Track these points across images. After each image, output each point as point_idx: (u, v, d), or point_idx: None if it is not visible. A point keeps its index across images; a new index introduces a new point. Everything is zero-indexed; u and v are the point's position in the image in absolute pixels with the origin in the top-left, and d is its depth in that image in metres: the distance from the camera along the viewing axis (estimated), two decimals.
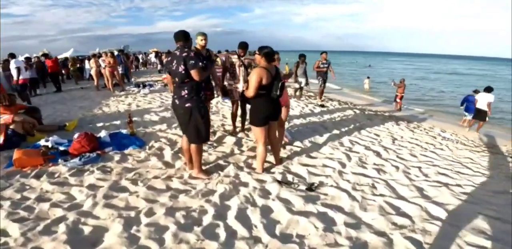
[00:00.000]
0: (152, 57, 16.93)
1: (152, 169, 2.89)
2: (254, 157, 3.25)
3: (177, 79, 2.39)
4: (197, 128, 2.46)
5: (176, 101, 2.45)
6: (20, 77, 6.67)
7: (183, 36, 2.42)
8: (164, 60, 14.59)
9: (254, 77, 2.44)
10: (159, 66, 15.20)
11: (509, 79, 23.35)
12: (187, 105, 2.40)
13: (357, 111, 6.35)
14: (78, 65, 11.70)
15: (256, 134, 2.71)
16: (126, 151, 3.36)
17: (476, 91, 7.96)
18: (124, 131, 4.03)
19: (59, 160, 3.10)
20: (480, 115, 6.56)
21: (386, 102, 10.24)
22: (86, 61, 11.99)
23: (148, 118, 4.97)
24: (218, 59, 9.06)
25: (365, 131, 4.57)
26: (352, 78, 20.03)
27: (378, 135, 4.42)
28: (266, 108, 2.62)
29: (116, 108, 5.90)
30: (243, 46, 3.74)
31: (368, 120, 5.51)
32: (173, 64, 2.38)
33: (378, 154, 3.55)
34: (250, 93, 2.50)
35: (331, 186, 2.66)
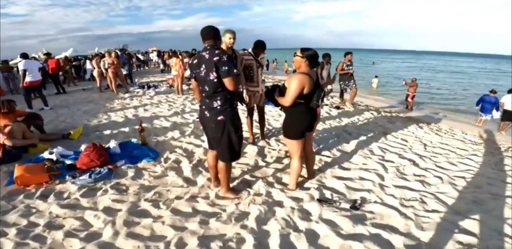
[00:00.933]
0: (154, 56, 16.46)
1: (172, 187, 2.58)
2: (281, 170, 2.96)
3: (206, 88, 2.03)
4: (231, 144, 2.14)
5: (206, 113, 2.10)
6: (30, 79, 5.87)
7: (213, 34, 2.00)
8: (168, 61, 14.15)
9: (295, 84, 2.10)
10: (161, 66, 14.78)
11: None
12: (219, 118, 2.05)
13: (375, 113, 6.06)
14: (70, 66, 11.20)
15: (292, 147, 2.40)
16: (139, 165, 3.05)
17: (493, 91, 7.72)
18: (134, 140, 3.72)
19: (67, 177, 2.79)
20: (509, 116, 6.52)
21: (395, 102, 9.97)
22: (87, 61, 11.56)
23: (158, 124, 4.65)
24: None
25: (391, 136, 4.29)
26: (357, 77, 19.68)
27: (406, 141, 4.14)
28: (304, 119, 2.30)
29: (123, 112, 5.57)
30: (261, 45, 3.35)
31: (390, 123, 5.22)
32: (201, 69, 2.01)
33: (414, 163, 3.27)
34: (287, 102, 2.18)
35: (376, 202, 2.40)
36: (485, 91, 13.73)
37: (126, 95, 7.58)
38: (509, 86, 15.29)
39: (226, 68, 1.92)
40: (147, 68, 18.06)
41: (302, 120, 2.30)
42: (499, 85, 15.53)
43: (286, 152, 3.41)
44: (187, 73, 7.45)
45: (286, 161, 3.16)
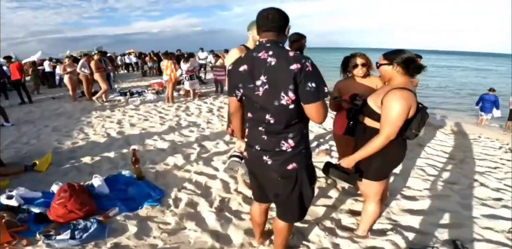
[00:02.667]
0: (132, 59, 14.97)
1: None
2: (333, 207, 2.27)
3: (270, 118, 1.19)
4: (302, 200, 1.36)
5: (266, 158, 1.26)
6: None
7: (282, 21, 1.19)
8: (149, 63, 12.87)
9: (401, 107, 1.36)
10: (145, 67, 13.42)
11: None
12: (290, 166, 1.24)
13: None
14: (38, 72, 9.76)
15: (372, 189, 1.68)
16: (141, 212, 2.20)
17: (491, 89, 7.63)
18: (126, 173, 2.83)
19: (37, 235, 1.92)
20: None
21: None
22: (58, 66, 10.13)
23: (151, 144, 3.75)
24: (220, 61, 7.89)
25: (429, 148, 3.74)
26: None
27: (447, 153, 3.61)
28: (402, 155, 1.61)
29: (103, 128, 4.57)
30: (301, 39, 2.41)
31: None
32: (258, 83, 1.17)
33: (479, 183, 2.73)
34: (389, 135, 1.42)
35: (478, 240, 1.87)
36: (473, 87, 14.06)
37: (106, 104, 6.51)
38: (496, 83, 15.73)
39: (314, 85, 1.10)
40: (125, 71, 16.67)
41: (399, 157, 1.61)
42: (491, 83, 15.68)
43: (326, 179, 2.73)
44: (178, 73, 6.48)
45: (332, 193, 2.47)
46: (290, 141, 1.22)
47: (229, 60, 1.82)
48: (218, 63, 7.72)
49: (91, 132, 4.40)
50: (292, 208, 1.39)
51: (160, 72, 12.84)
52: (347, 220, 2.08)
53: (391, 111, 1.39)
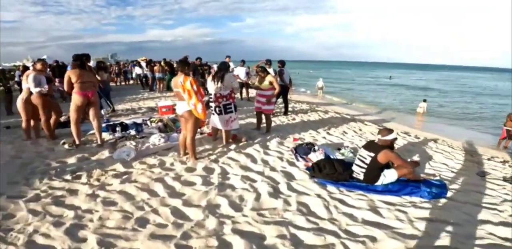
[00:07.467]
0: (137, 69, 12.05)
1: None
2: None
3: None
4: None
5: None
6: None
7: None
8: (157, 74, 9.75)
9: None
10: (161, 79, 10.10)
11: None
12: None
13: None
14: (8, 83, 7.06)
15: None
16: None
17: None
18: None
19: None
20: None
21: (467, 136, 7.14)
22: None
23: None
24: (270, 78, 4.96)
25: None
26: (398, 99, 16.04)
27: None
28: None
29: None
30: None
31: None
32: None
33: None
34: None
35: None
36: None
37: (70, 157, 3.45)
38: None
39: None
40: (124, 84, 14.04)
41: None
42: None
43: None
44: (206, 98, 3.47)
45: None
46: None
47: None
48: (267, 82, 4.76)
49: None
50: None
51: (168, 87, 9.75)
52: None
53: None
